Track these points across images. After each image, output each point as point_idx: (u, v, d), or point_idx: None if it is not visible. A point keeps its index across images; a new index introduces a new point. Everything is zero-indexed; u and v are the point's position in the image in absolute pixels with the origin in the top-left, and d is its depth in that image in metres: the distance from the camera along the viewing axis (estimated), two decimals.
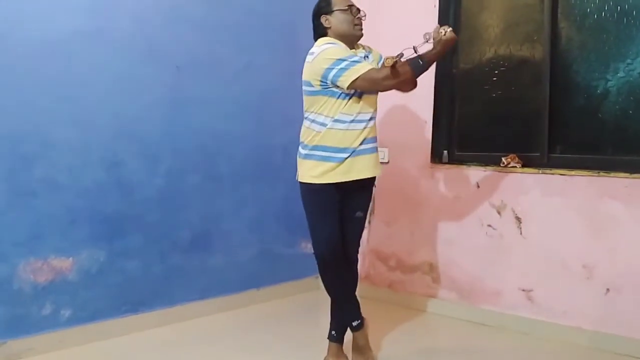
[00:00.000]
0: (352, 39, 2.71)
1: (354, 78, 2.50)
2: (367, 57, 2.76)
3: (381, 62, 2.77)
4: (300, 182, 2.71)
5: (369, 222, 4.02)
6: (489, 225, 3.52)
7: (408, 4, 3.87)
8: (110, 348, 2.99)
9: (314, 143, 2.64)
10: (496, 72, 3.63)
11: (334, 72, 2.52)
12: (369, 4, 4.03)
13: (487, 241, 3.53)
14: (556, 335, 3.24)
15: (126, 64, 3.14)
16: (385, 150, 3.91)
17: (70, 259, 2.96)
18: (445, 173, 3.72)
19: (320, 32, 2.72)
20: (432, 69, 3.71)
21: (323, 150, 2.62)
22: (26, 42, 2.76)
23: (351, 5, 2.71)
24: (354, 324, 2.80)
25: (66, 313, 2.95)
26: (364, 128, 2.66)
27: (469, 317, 3.58)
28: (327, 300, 2.81)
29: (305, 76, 2.66)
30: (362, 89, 2.59)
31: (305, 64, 2.65)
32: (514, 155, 3.46)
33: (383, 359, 2.96)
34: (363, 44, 2.82)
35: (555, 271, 3.26)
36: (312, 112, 2.66)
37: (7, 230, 2.74)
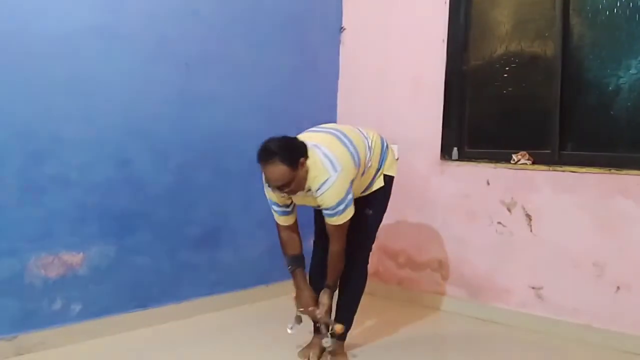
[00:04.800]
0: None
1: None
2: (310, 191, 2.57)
3: (329, 211, 2.53)
4: (391, 176, 2.87)
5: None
6: (499, 223, 3.50)
7: (419, 0, 3.86)
8: (120, 343, 3.00)
9: None
10: (507, 68, 3.61)
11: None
12: None
13: (497, 238, 3.51)
14: (566, 333, 3.22)
15: (136, 60, 3.15)
16: (395, 147, 3.87)
17: (81, 254, 2.97)
18: (456, 170, 3.71)
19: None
20: (442, 65, 3.73)
21: None
22: (37, 38, 2.77)
23: (279, 187, 2.46)
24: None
25: (76, 308, 2.96)
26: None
27: (479, 314, 3.57)
28: (335, 296, 2.80)
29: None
30: None
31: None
32: (525, 152, 3.45)
33: (392, 356, 2.96)
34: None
35: (566, 269, 3.24)
36: None
37: (18, 226, 2.75)
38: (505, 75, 3.62)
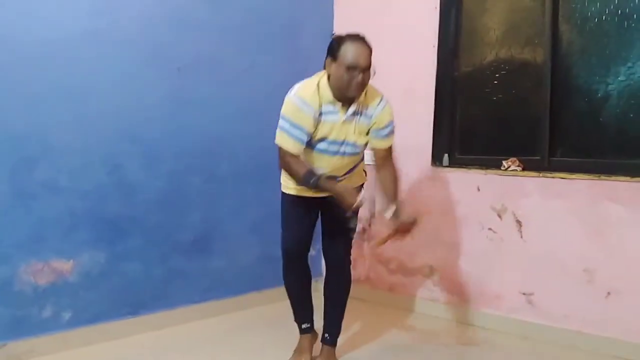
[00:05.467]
0: (342, 98, 2.53)
1: (278, 142, 2.56)
2: (357, 113, 2.58)
3: (389, 128, 2.69)
4: (281, 190, 2.80)
5: (370, 225, 4.02)
6: (490, 229, 3.52)
7: (410, 6, 3.87)
8: (111, 350, 2.99)
9: None
10: (497, 75, 3.63)
11: (278, 124, 2.56)
12: (372, 3, 4.06)
13: (488, 244, 3.52)
14: (557, 339, 3.24)
15: (128, 65, 3.14)
16: None
17: (71, 261, 2.96)
18: (446, 176, 3.72)
19: (324, 65, 2.56)
20: (433, 72, 3.74)
21: None
22: (28, 43, 2.77)
23: (353, 68, 2.41)
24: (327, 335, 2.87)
25: (67, 315, 2.95)
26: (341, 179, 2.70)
27: (470, 320, 3.58)
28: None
29: None
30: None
31: None
32: (515, 158, 3.46)
33: None
34: (375, 95, 2.66)
35: (556, 275, 3.26)
36: None
37: (8, 232, 2.74)
38: (496, 81, 3.64)
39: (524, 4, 3.52)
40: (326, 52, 2.53)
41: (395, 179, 2.71)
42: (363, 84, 2.47)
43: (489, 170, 3.53)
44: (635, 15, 3.13)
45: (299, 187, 2.67)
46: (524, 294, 3.39)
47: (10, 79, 2.73)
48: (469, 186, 3.60)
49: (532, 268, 3.35)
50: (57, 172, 2.89)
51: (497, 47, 3.64)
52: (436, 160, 3.78)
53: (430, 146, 3.78)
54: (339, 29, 4.23)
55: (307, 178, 2.49)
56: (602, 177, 3.11)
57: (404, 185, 3.85)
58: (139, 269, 3.23)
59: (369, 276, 4.06)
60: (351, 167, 2.73)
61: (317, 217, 2.84)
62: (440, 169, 3.76)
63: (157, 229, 3.30)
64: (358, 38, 2.45)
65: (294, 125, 2.49)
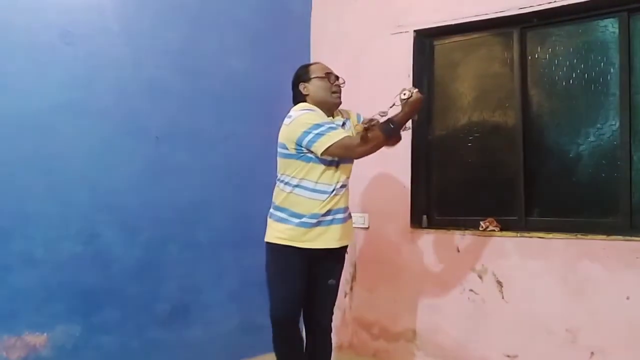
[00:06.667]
0: (330, 106, 2.76)
1: (328, 145, 2.53)
2: (345, 124, 2.79)
3: (360, 122, 2.83)
4: (267, 242, 2.72)
5: (351, 289, 3.99)
6: (471, 290, 3.51)
7: (383, 73, 3.97)
8: None
9: (285, 205, 2.65)
10: (471, 137, 3.71)
11: (309, 137, 2.55)
12: (347, 70, 4.16)
13: (470, 306, 3.51)
14: None
15: (105, 135, 3.14)
16: (365, 215, 3.92)
17: (45, 334, 2.87)
18: (426, 238, 3.73)
19: (299, 99, 2.78)
20: (409, 135, 3.81)
21: (293, 215, 2.64)
22: (4, 115, 2.77)
23: (329, 73, 2.77)
24: None
25: None
26: (334, 195, 2.67)
27: None
28: None
29: (281, 138, 2.69)
30: (336, 156, 2.62)
31: (282, 127, 2.70)
32: (492, 219, 3.50)
33: None
34: (341, 108, 2.87)
35: (539, 335, 3.24)
36: (285, 174, 2.68)
37: None
38: (469, 144, 3.72)
39: (493, 70, 3.65)
40: (292, 86, 2.82)
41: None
42: (340, 86, 2.78)
43: (467, 231, 3.56)
44: (600, 79, 3.26)
45: (293, 235, 2.64)
46: (508, 356, 3.35)
47: None
48: (449, 248, 3.61)
49: (515, 329, 3.32)
50: (32, 244, 2.84)
51: (470, 111, 3.73)
52: (415, 222, 3.80)
53: (409, 208, 3.81)
54: None
55: (385, 129, 2.55)
56: (579, 235, 3.15)
57: (384, 247, 3.86)
58: (115, 341, 3.13)
59: (352, 342, 3.99)
60: (348, 175, 2.78)
61: (306, 276, 2.71)
62: (419, 231, 3.77)
63: (134, 300, 3.23)
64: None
65: (328, 123, 2.60)
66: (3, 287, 2.73)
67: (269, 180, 3.57)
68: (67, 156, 2.99)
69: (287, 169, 2.67)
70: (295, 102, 2.80)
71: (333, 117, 2.77)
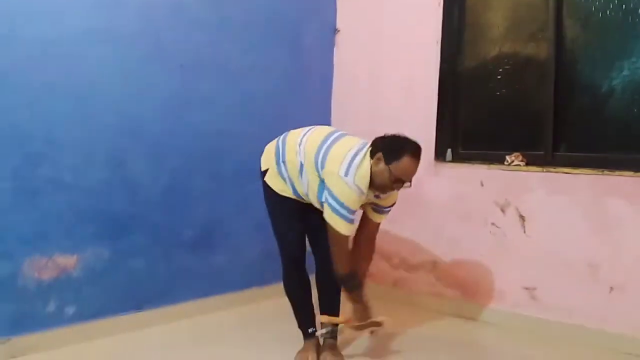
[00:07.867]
0: (379, 192, 2.62)
1: (330, 222, 2.53)
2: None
3: (390, 208, 2.84)
4: (264, 182, 2.82)
5: None
6: (493, 224, 3.52)
7: (413, 2, 3.86)
8: (114, 345, 2.99)
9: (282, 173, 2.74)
10: (500, 70, 3.63)
11: (327, 196, 2.53)
12: (373, 1, 4.06)
13: (491, 239, 3.52)
14: (560, 333, 3.23)
15: (131, 62, 3.14)
16: None
17: (75, 256, 2.97)
18: (449, 171, 3.72)
19: (371, 154, 2.57)
20: (437, 68, 3.73)
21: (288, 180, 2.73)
22: (31, 41, 2.76)
23: (402, 181, 2.53)
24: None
25: (70, 310, 2.96)
26: None
27: (473, 315, 3.58)
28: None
29: (316, 156, 2.60)
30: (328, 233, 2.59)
31: (331, 147, 2.59)
32: (518, 153, 3.46)
33: (384, 356, 2.96)
34: None
35: (559, 270, 3.26)
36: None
37: (12, 228, 2.74)
38: (499, 76, 3.63)
39: (527, 0, 3.51)
40: (379, 143, 2.57)
41: (370, 259, 2.94)
42: (399, 188, 2.60)
43: (492, 165, 3.53)
44: (639, 10, 3.12)
45: (280, 186, 2.76)
46: (527, 288, 3.38)
47: (13, 76, 2.72)
48: (472, 181, 3.60)
49: (535, 263, 3.34)
50: (61, 169, 2.89)
51: (501, 42, 3.63)
52: (439, 155, 3.78)
53: (434, 141, 3.78)
54: (342, 25, 4.23)
55: (348, 278, 2.64)
56: (606, 172, 3.11)
57: None
58: (142, 265, 3.23)
59: (371, 272, 4.05)
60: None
61: (302, 218, 2.83)
62: (443, 164, 3.75)
63: (161, 226, 3.31)
64: (417, 153, 2.55)
65: (350, 211, 2.52)
66: (34, 210, 2.81)
67: (293, 111, 3.58)
68: (95, 83, 3.00)
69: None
70: (364, 151, 2.58)
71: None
